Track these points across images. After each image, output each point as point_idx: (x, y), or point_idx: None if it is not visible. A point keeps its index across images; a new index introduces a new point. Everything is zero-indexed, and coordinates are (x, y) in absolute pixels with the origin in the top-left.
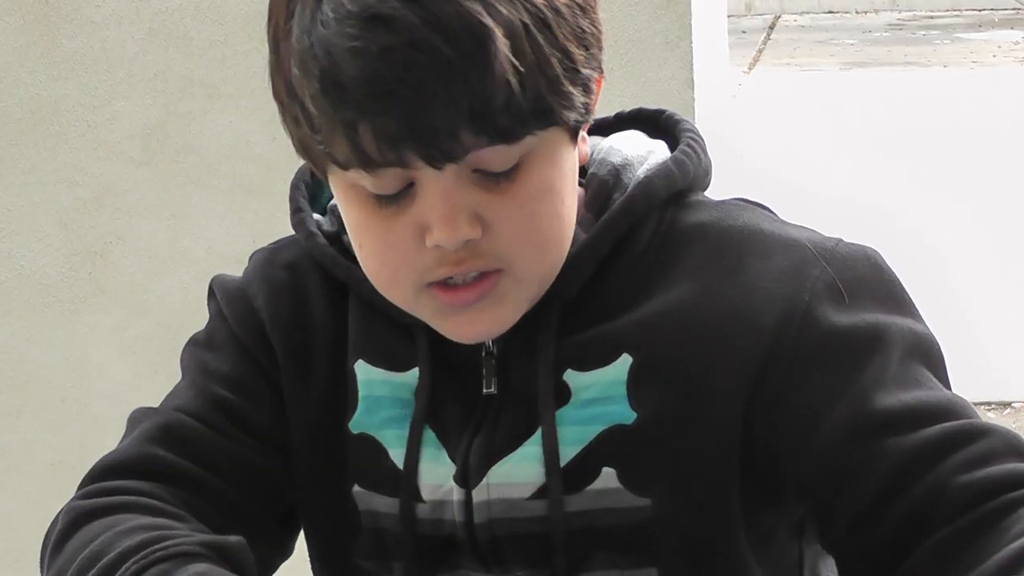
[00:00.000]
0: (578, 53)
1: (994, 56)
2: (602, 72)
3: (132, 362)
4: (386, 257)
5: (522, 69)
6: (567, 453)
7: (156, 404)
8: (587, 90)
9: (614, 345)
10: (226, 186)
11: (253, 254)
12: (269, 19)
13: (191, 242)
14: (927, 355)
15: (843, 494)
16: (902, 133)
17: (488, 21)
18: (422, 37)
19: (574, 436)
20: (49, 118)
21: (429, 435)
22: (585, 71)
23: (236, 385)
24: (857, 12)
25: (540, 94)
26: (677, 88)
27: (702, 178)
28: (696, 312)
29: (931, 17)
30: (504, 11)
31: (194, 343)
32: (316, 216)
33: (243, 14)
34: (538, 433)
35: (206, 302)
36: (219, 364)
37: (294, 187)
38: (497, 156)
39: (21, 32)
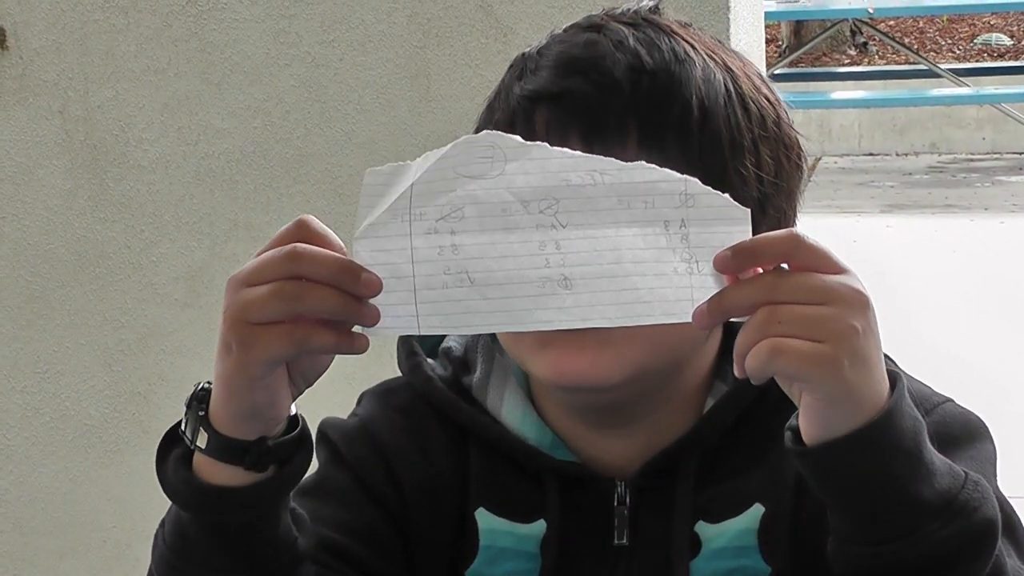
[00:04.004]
0: (766, 157)
1: None
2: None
3: None
4: None
5: (707, 102)
6: None
7: None
8: (761, 205)
9: (746, 495)
10: None
11: (362, 395)
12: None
13: None
14: (1008, 524)
15: None
16: (944, 276)
17: (694, 58)
18: (629, 45)
19: None
20: (96, 260)
21: None
22: (766, 176)
23: (351, 531)
24: (897, 155)
25: (717, 140)
26: None
27: None
28: None
29: (971, 160)
30: (709, 78)
31: (300, 492)
32: (428, 360)
33: (287, 158)
34: None
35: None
36: (331, 511)
37: None
38: None
39: (69, 175)
